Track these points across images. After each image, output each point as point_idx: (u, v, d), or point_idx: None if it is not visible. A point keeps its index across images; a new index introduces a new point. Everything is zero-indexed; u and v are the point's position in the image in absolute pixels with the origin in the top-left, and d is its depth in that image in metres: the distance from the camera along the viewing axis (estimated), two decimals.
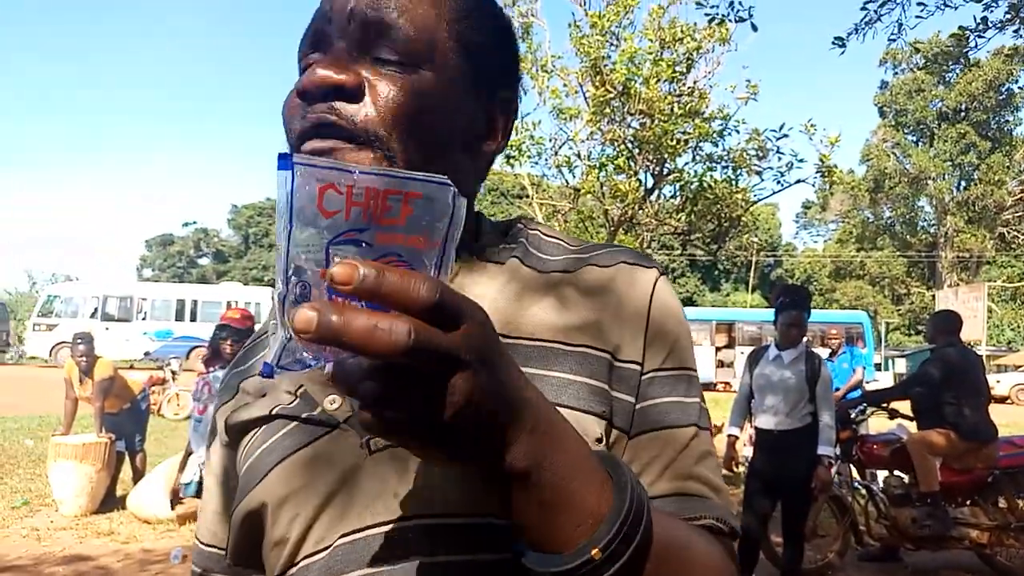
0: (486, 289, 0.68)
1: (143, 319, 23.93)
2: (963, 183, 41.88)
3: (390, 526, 0.59)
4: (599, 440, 0.61)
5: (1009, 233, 41.18)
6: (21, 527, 5.84)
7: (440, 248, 0.43)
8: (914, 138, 43.40)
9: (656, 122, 9.72)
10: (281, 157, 0.40)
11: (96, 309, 23.63)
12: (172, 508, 5.75)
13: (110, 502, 6.43)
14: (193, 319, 23.54)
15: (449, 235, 0.43)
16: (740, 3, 5.96)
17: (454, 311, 0.40)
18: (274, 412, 0.67)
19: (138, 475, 6.76)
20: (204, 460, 3.57)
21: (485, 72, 0.67)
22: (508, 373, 0.44)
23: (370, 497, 0.60)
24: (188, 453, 5.92)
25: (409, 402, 0.40)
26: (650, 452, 0.64)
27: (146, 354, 21.52)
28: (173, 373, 13.21)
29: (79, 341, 6.54)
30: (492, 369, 0.42)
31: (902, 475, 5.22)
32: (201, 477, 4.44)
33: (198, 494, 4.56)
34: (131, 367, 18.94)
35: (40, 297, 27.01)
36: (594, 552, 0.46)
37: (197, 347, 19.61)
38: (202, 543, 0.77)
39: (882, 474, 5.65)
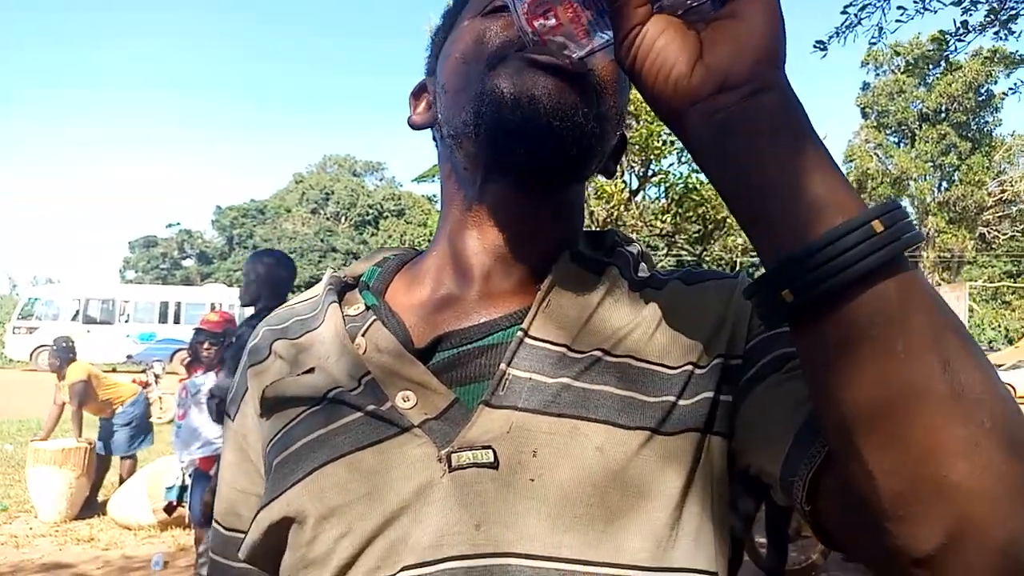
0: (586, 297, 0.61)
1: (126, 321, 23.69)
2: (944, 184, 42.33)
3: (469, 563, 0.49)
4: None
5: (989, 233, 41.69)
6: None
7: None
8: (896, 139, 43.80)
9: (641, 123, 9.75)
10: None
11: (77, 311, 23.37)
12: (169, 515, 5.58)
13: (91, 508, 6.35)
14: (177, 321, 23.30)
15: None
16: None
17: None
18: (331, 395, 0.57)
19: (123, 482, 6.67)
20: (186, 465, 3.53)
21: (625, 99, 0.68)
22: None
23: (444, 525, 0.50)
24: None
25: None
26: (787, 387, 0.53)
27: (128, 357, 21.29)
28: (156, 376, 13.09)
29: (51, 346, 6.50)
30: None
31: None
32: (183, 483, 4.41)
33: (180, 499, 4.53)
34: (113, 370, 18.76)
35: (20, 299, 26.71)
36: (875, 223, 0.39)
37: (180, 350, 19.44)
38: (223, 527, 0.67)
39: None
